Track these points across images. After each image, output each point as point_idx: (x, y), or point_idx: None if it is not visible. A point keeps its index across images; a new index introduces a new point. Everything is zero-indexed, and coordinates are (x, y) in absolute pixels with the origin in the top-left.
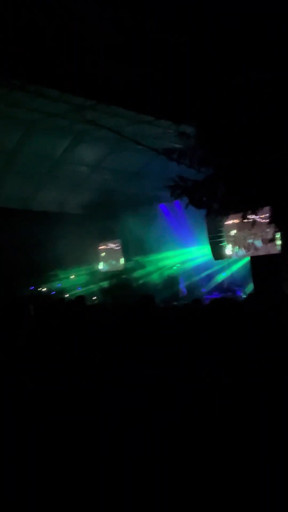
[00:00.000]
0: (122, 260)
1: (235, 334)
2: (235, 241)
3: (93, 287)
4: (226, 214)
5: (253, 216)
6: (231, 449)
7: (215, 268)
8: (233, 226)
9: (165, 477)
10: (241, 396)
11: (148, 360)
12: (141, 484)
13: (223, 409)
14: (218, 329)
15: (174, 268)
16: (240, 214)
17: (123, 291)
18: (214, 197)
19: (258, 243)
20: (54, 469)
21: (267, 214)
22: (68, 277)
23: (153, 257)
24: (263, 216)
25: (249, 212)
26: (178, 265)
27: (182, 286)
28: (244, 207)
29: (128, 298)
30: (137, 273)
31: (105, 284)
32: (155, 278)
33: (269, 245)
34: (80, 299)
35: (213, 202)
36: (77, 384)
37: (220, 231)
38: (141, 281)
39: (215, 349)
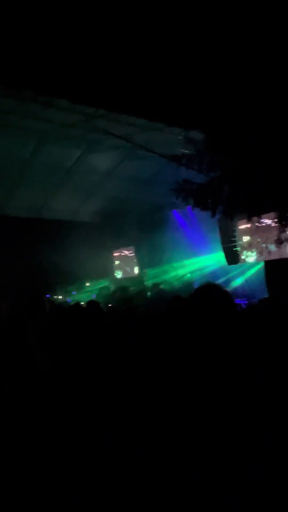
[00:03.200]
0: (136, 267)
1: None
2: (248, 246)
3: (108, 295)
4: (232, 216)
5: (266, 220)
6: None
7: (231, 274)
8: (246, 231)
9: None
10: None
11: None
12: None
13: None
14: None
15: (187, 276)
16: (254, 218)
17: (138, 299)
18: (219, 199)
19: (272, 247)
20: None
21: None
22: (82, 285)
23: (167, 265)
24: (275, 219)
25: (255, 215)
26: (189, 275)
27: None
28: (250, 210)
29: (142, 306)
30: (151, 281)
31: (120, 292)
32: (169, 286)
33: (283, 248)
34: (93, 304)
35: (218, 204)
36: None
37: (234, 236)
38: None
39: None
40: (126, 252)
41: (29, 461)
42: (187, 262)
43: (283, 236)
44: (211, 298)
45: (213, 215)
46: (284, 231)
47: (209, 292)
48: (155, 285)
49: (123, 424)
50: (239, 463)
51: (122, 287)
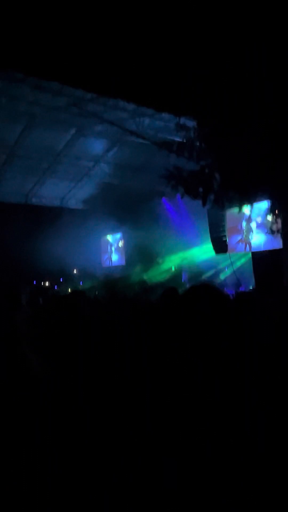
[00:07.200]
0: (124, 255)
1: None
2: (237, 235)
3: (95, 282)
4: (222, 205)
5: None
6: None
7: (220, 265)
8: (235, 220)
9: None
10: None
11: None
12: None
13: None
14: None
15: (172, 269)
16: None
17: (124, 287)
18: (210, 188)
19: (261, 237)
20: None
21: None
22: (70, 272)
23: (155, 257)
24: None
25: (247, 204)
26: (173, 268)
27: (185, 279)
28: (240, 199)
29: (128, 293)
30: (138, 273)
31: (106, 279)
32: (156, 275)
33: (272, 240)
34: (79, 293)
35: (209, 193)
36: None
37: (222, 225)
38: (143, 278)
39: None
40: (114, 240)
41: (28, 461)
42: (175, 255)
43: (274, 226)
44: (207, 301)
45: (204, 204)
46: (276, 222)
47: (205, 294)
48: (142, 279)
49: (123, 424)
50: (239, 463)
51: (111, 280)
